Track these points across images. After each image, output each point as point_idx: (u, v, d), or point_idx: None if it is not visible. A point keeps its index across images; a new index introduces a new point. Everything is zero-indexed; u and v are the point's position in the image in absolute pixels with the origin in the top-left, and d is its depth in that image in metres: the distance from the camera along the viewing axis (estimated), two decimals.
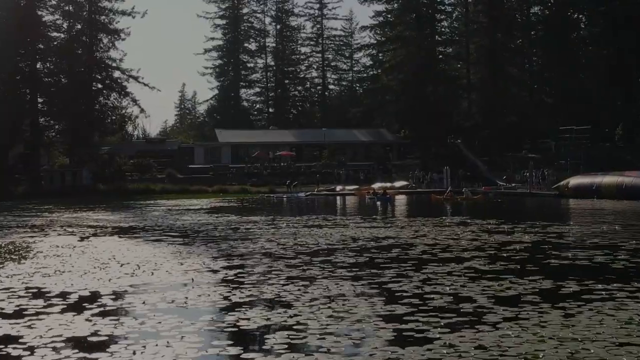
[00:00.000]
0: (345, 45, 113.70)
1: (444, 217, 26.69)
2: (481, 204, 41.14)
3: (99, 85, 70.78)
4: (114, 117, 71.60)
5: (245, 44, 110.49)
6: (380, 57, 78.82)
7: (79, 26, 71.40)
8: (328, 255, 14.86)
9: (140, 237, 20.74)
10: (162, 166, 71.58)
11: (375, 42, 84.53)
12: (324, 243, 17.66)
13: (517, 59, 75.02)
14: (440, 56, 74.89)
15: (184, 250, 16.53)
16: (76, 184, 66.03)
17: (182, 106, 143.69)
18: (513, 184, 57.08)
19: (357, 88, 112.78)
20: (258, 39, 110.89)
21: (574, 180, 43.34)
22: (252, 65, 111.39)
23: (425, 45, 72.46)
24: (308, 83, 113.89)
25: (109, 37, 70.13)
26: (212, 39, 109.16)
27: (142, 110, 72.70)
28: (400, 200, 49.07)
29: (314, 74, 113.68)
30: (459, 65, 78.79)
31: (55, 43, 70.69)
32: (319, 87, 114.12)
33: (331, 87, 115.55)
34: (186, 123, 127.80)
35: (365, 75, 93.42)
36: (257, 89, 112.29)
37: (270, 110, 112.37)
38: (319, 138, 78.51)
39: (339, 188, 58.74)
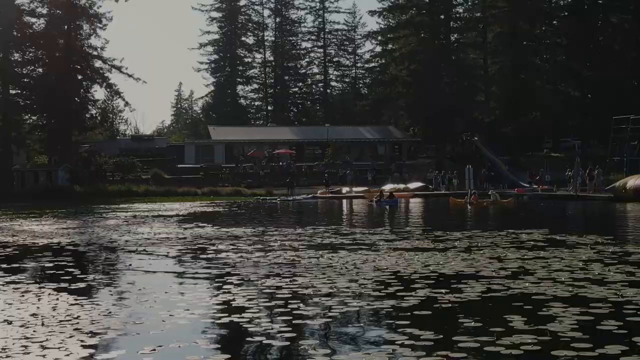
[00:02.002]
0: (349, 40, 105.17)
1: (509, 232, 18.12)
2: (513, 208, 33.18)
3: (79, 76, 62.16)
4: (94, 112, 63.21)
5: (243, 38, 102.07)
6: (389, 47, 69.74)
7: (59, 12, 62.82)
8: (377, 338, 6.57)
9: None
10: (149, 166, 63.19)
11: (383, 28, 74.96)
12: (354, 291, 9.36)
13: (541, 48, 66.16)
14: (456, 44, 65.75)
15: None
16: (51, 185, 57.59)
17: (179, 105, 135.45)
18: (540, 186, 48.67)
19: (360, 85, 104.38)
20: (256, 32, 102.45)
21: (634, 181, 34.85)
22: (249, 60, 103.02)
23: (440, 31, 63.92)
24: (309, 80, 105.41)
25: (90, 22, 61.57)
26: (208, 32, 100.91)
27: (126, 104, 64.40)
28: (415, 204, 40.70)
29: (315, 70, 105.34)
30: (473, 56, 69.61)
31: (31, 30, 62.15)
32: (320, 84, 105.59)
33: (333, 84, 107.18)
34: (181, 122, 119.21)
35: (373, 64, 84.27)
36: (255, 86, 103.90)
37: (269, 108, 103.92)
38: (322, 135, 70.04)
39: (345, 190, 50.29)
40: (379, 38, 74.73)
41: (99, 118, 63.95)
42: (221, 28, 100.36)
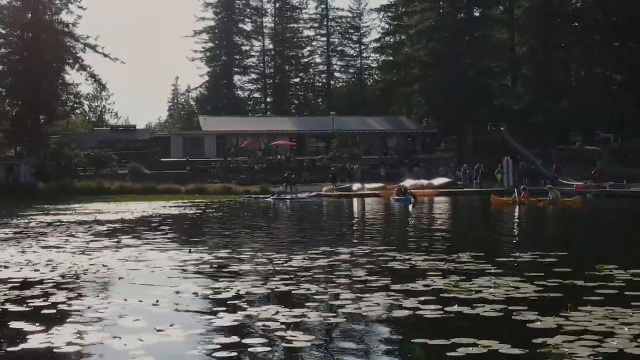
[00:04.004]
0: (353, 28, 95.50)
1: None
2: (580, 209, 23.99)
3: (48, 56, 52.62)
4: (64, 97, 53.56)
5: (240, 25, 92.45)
6: (404, 22, 59.25)
7: None
8: None
9: None
10: (129, 160, 53.73)
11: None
12: None
13: (576, 26, 56.04)
14: (480, 20, 55.31)
15: None
16: (12, 182, 48.24)
17: (175, 100, 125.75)
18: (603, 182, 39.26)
19: (366, 76, 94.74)
20: (254, 18, 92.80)
21: None
22: (247, 48, 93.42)
23: (462, 5, 54.16)
24: (311, 70, 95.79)
25: None
26: (203, 19, 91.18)
27: (103, 88, 54.64)
28: (444, 204, 31.31)
29: (318, 59, 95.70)
30: (499, 36, 59.30)
31: None
32: (323, 75, 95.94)
33: (337, 75, 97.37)
34: (175, 117, 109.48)
35: (385, 42, 73.63)
36: (253, 76, 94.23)
37: (268, 100, 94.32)
38: (326, 126, 60.52)
39: (355, 187, 40.72)
40: (391, 12, 64.27)
41: (70, 105, 54.15)
42: (217, 14, 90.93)
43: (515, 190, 28.67)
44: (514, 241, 14.34)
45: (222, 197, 41.08)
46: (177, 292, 7.76)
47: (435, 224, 19.24)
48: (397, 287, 7.83)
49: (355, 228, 16.75)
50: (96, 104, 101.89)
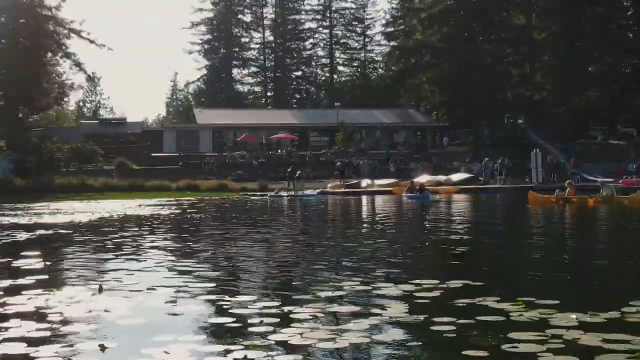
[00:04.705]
0: (357, 20, 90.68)
1: None
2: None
3: (27, 43, 47.97)
4: (46, 87, 48.82)
5: (240, 16, 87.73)
6: (416, 4, 53.95)
7: None
8: None
9: None
10: (117, 154, 49.16)
11: None
12: None
13: (602, 10, 51.06)
14: (498, 2, 50.27)
15: None
16: None
17: (175, 96, 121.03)
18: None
19: (370, 70, 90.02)
20: (254, 8, 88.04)
21: None
22: (247, 40, 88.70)
23: None
24: (313, 63, 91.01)
25: None
26: (201, 9, 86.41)
27: (89, 77, 49.72)
28: (465, 202, 26.76)
29: (321, 52, 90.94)
30: (519, 21, 54.15)
31: None
32: (326, 69, 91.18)
33: (340, 68, 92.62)
34: (173, 112, 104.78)
35: (393, 28, 68.34)
36: (253, 69, 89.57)
37: (269, 94, 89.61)
38: (329, 119, 55.87)
39: (364, 183, 35.96)
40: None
41: (53, 95, 49.33)
42: (215, 5, 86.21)
43: (566, 184, 23.55)
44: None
45: (215, 195, 36.59)
46: None
47: (484, 232, 14.56)
48: None
49: (383, 241, 12.05)
50: (91, 98, 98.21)
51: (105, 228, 15.06)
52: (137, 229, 14.47)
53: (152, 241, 11.63)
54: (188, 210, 21.13)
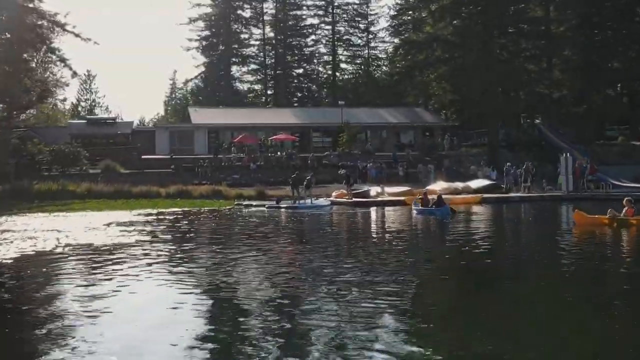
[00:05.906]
0: (361, 16, 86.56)
1: None
2: None
3: (7, 37, 43.85)
4: (29, 83, 44.68)
5: (239, 11, 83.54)
6: None
7: None
8: None
9: None
10: (105, 157, 45.08)
11: None
12: None
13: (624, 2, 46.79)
14: None
15: None
16: None
17: (174, 95, 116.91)
18: None
19: (374, 67, 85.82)
20: (254, 4, 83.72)
21: None
22: (246, 36, 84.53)
23: None
24: (315, 60, 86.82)
25: None
26: (199, 5, 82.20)
27: (74, 74, 45.58)
28: (483, 216, 22.79)
29: (323, 49, 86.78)
30: (537, 13, 49.70)
31: None
32: (328, 66, 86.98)
33: (343, 65, 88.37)
34: (170, 111, 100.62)
35: (402, 19, 63.84)
36: (253, 66, 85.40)
37: (269, 92, 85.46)
38: (333, 119, 51.77)
39: (374, 191, 31.66)
40: None
41: (35, 93, 45.17)
42: (214, 0, 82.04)
43: (626, 201, 18.81)
44: None
45: (207, 203, 32.50)
46: None
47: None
48: None
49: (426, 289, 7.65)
50: (86, 97, 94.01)
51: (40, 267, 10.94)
52: (76, 268, 10.36)
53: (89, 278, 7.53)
54: (161, 236, 16.89)
